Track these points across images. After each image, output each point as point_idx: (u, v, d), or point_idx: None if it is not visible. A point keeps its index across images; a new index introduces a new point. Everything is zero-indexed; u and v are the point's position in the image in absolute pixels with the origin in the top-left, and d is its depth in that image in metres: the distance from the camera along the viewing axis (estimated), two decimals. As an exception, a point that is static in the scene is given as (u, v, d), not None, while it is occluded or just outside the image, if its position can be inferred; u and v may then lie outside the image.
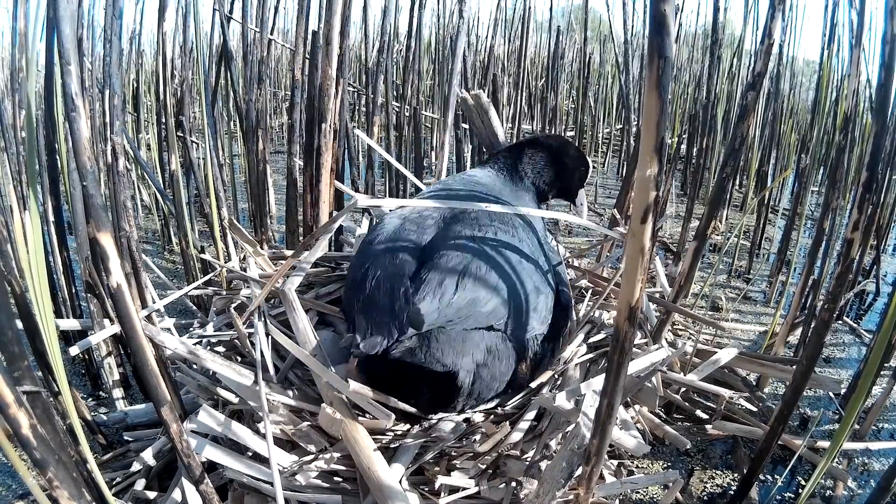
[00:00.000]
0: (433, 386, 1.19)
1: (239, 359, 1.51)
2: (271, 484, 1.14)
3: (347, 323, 1.47)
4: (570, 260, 2.13)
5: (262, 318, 1.41)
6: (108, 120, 1.38)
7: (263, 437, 1.20)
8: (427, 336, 1.16)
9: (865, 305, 2.86)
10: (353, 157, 2.90)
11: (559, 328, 1.44)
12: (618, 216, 2.29)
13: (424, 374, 1.15)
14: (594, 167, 5.60)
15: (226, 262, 1.99)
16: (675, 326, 2.10)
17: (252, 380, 1.24)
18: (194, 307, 2.32)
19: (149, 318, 1.47)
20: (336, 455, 1.19)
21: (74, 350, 1.54)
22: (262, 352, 1.28)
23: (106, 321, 1.61)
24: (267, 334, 1.40)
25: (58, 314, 1.86)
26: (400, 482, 1.11)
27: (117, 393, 1.69)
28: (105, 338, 1.60)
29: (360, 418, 1.21)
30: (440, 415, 1.28)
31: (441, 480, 1.14)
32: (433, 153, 4.99)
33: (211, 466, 1.22)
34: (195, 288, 1.86)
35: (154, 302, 1.59)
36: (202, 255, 2.01)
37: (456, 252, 1.27)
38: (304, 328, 1.37)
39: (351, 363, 1.28)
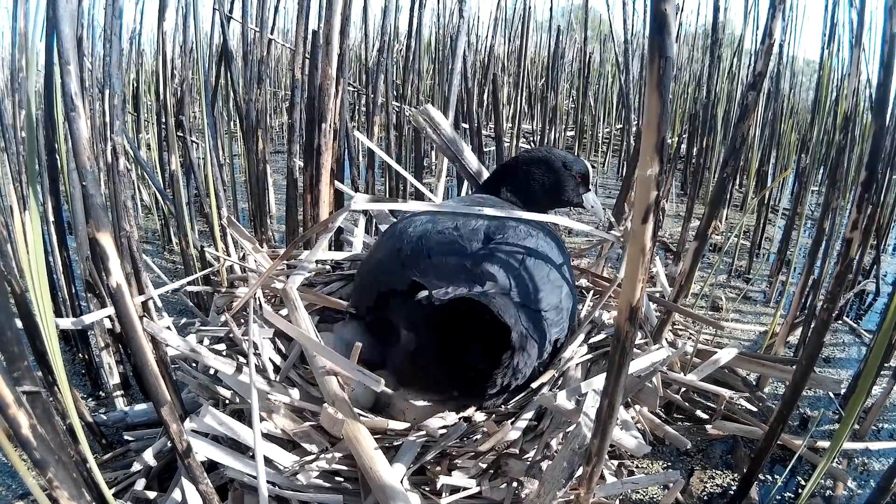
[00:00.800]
0: (488, 338, 1.21)
1: (240, 358, 1.51)
2: (271, 483, 1.14)
3: (370, 312, 1.49)
4: (569, 260, 2.13)
5: (256, 303, 1.41)
6: (108, 120, 1.38)
7: (263, 434, 1.20)
8: (492, 295, 1.21)
9: (865, 305, 2.86)
10: (354, 157, 2.89)
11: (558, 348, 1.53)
12: (612, 219, 2.30)
13: (485, 324, 1.16)
14: (594, 167, 5.61)
15: (226, 261, 1.99)
16: (675, 326, 2.10)
17: (255, 377, 1.23)
18: (195, 307, 2.32)
19: (146, 309, 1.46)
20: (337, 455, 1.19)
21: (65, 323, 1.55)
22: (252, 337, 1.29)
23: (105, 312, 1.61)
24: (265, 327, 1.40)
25: (58, 314, 1.86)
26: (401, 482, 1.11)
27: (117, 393, 1.69)
28: (99, 319, 1.60)
29: (361, 418, 1.21)
30: (435, 421, 1.28)
31: (442, 480, 1.14)
32: (433, 153, 4.99)
33: (211, 466, 1.22)
34: (193, 281, 1.86)
35: (154, 302, 1.59)
36: (208, 249, 2.01)
37: (513, 243, 1.41)
38: (306, 327, 1.37)
39: (354, 354, 1.27)
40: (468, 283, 1.27)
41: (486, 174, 2.15)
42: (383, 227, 2.11)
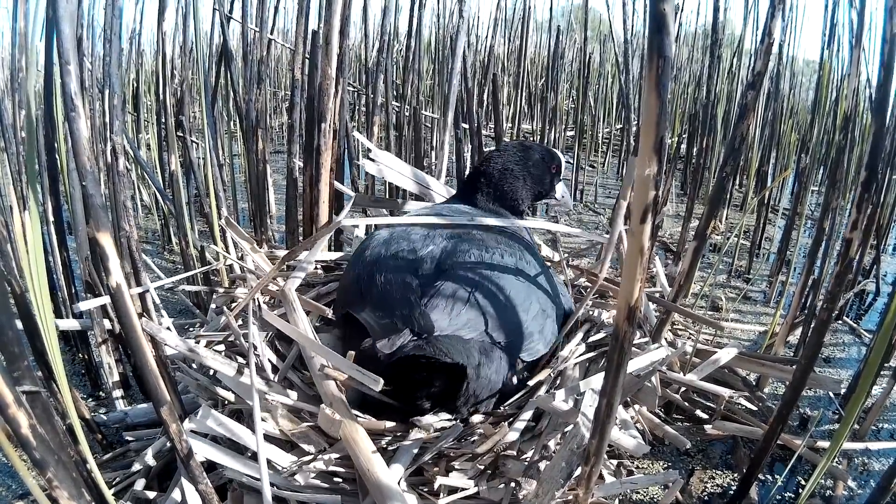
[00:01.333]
0: (442, 379, 1.22)
1: (239, 358, 1.51)
2: (271, 483, 1.14)
3: (344, 323, 1.48)
4: (569, 259, 2.13)
5: (255, 306, 1.41)
6: (107, 120, 1.39)
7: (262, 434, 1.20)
8: (435, 338, 1.21)
9: (865, 305, 2.86)
10: (353, 157, 2.89)
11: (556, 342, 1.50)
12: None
13: (436, 367, 1.17)
14: (594, 167, 5.61)
15: (226, 261, 1.99)
16: (674, 326, 2.10)
17: (255, 379, 1.24)
18: (194, 307, 2.32)
19: (145, 308, 1.46)
20: (335, 456, 1.19)
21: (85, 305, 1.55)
22: (252, 339, 1.29)
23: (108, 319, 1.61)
24: (262, 331, 1.40)
25: (57, 314, 1.86)
26: (399, 483, 1.11)
27: (117, 393, 1.69)
28: (97, 308, 1.60)
29: (359, 419, 1.21)
30: (431, 418, 1.28)
31: (440, 481, 1.14)
32: (433, 153, 4.98)
33: (210, 466, 1.22)
34: (192, 279, 1.86)
35: (154, 300, 1.59)
36: (212, 246, 2.01)
37: (466, 267, 1.34)
38: (305, 329, 1.37)
39: (350, 353, 1.28)
40: (417, 319, 1.22)
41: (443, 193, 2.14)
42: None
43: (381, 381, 1.14)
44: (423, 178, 2.14)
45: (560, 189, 1.87)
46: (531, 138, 5.50)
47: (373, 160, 2.06)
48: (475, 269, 1.34)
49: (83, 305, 1.57)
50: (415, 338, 1.20)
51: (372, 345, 1.22)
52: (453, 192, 2.13)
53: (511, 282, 1.36)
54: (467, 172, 1.86)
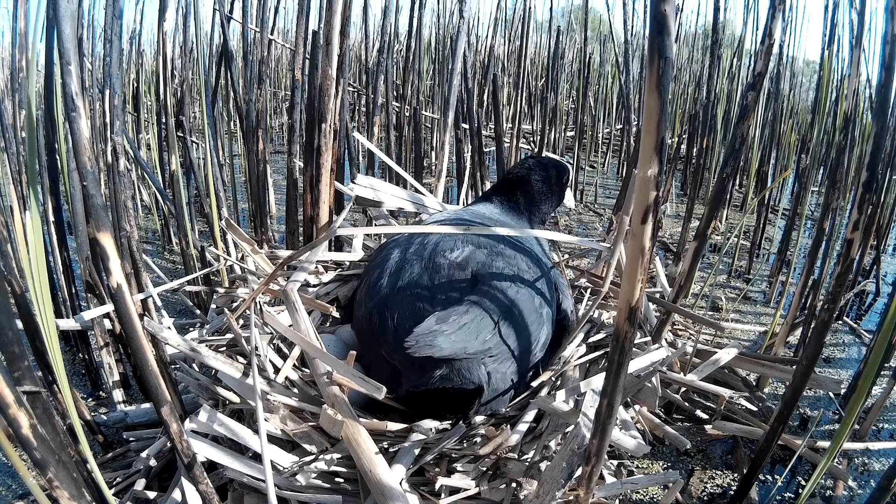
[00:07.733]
0: (460, 399, 1.28)
1: (240, 359, 1.51)
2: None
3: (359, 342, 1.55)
4: (568, 260, 2.13)
5: (257, 308, 1.41)
6: (108, 120, 1.38)
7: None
8: (452, 363, 1.25)
9: (865, 305, 2.86)
10: (354, 157, 2.89)
11: (555, 349, 1.53)
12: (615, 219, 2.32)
13: (457, 391, 1.25)
14: (594, 167, 5.61)
15: (227, 261, 1.99)
16: (675, 326, 2.10)
17: (258, 380, 1.23)
18: (195, 307, 2.32)
19: (146, 308, 1.46)
20: (336, 456, 1.19)
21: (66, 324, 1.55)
22: (254, 340, 1.29)
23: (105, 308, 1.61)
24: (265, 330, 1.40)
25: (58, 314, 1.86)
26: (400, 483, 1.11)
27: (117, 393, 1.69)
28: (99, 316, 1.61)
29: (361, 420, 1.21)
30: (432, 422, 1.31)
31: (442, 482, 1.14)
32: (433, 153, 4.99)
33: (211, 466, 1.22)
34: (193, 280, 1.86)
35: (154, 302, 1.59)
36: (211, 248, 2.01)
37: (481, 287, 1.37)
38: (306, 329, 1.37)
39: (350, 359, 1.28)
40: (434, 348, 1.22)
41: (449, 207, 2.17)
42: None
43: (384, 389, 1.15)
44: (415, 196, 2.16)
45: (568, 196, 2.02)
46: (532, 139, 5.50)
47: (362, 187, 2.08)
48: (489, 287, 1.37)
49: (87, 315, 1.57)
50: (433, 365, 1.24)
51: (395, 376, 1.29)
52: (448, 206, 2.16)
53: (522, 295, 1.39)
54: (502, 179, 1.97)
